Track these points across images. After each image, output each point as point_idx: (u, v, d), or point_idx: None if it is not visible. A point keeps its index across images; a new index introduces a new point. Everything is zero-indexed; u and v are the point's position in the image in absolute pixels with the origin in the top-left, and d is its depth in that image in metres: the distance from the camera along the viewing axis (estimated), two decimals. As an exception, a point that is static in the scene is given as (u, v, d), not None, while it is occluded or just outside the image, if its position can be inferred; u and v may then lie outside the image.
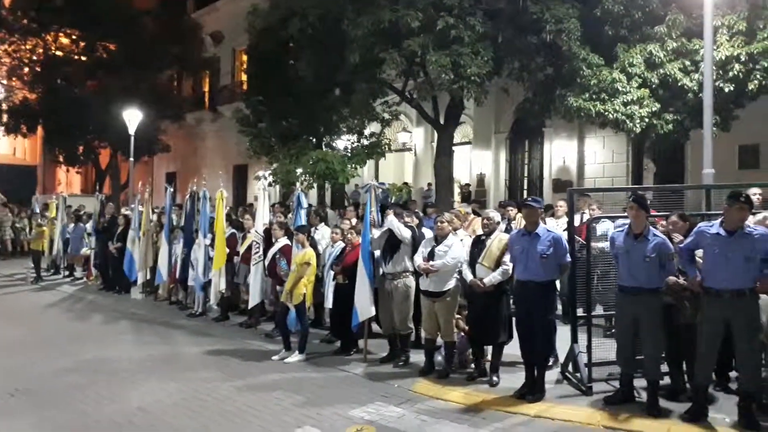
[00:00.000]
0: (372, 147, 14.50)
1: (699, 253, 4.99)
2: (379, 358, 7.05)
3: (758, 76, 8.48)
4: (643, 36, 8.97)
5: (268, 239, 8.46)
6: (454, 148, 20.58)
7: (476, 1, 10.17)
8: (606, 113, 9.01)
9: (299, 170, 12.82)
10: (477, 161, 18.53)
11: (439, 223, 6.59)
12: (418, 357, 6.75)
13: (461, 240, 6.82)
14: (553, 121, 14.08)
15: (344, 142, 15.62)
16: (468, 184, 19.29)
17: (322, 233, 8.69)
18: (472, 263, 6.13)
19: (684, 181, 12.10)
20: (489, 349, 6.28)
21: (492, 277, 5.92)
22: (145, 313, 10.46)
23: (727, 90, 8.53)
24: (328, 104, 14.40)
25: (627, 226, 5.32)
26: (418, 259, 6.53)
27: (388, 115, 15.06)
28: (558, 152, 16.39)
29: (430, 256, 6.41)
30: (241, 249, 9.11)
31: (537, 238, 5.58)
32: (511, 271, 5.95)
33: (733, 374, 5.37)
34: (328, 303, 7.85)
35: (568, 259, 5.71)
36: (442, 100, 13.30)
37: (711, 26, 7.29)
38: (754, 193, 7.08)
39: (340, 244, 7.78)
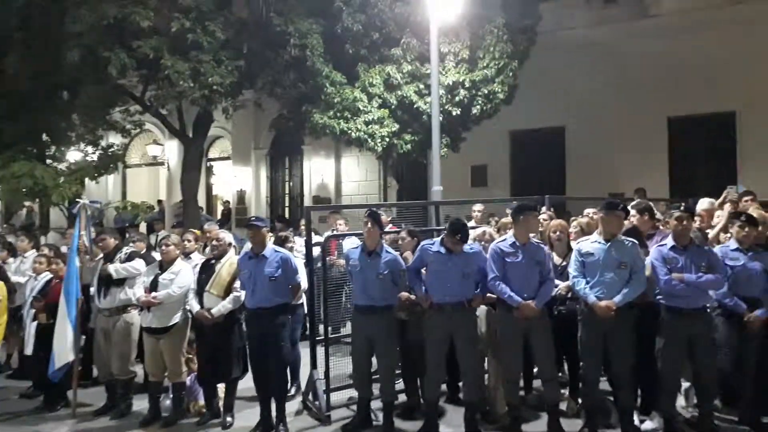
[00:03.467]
0: (106, 160, 12.79)
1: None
2: (93, 410, 5.92)
3: (480, 102, 9.30)
4: (382, 57, 9.25)
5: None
6: (213, 163, 19.72)
7: (217, 7, 9.53)
8: (349, 131, 9.07)
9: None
10: (237, 178, 17.81)
11: (164, 247, 5.78)
12: (144, 404, 5.81)
13: (195, 265, 6.06)
14: (311, 139, 14.07)
15: (79, 153, 13.62)
16: (228, 201, 18.45)
17: (30, 262, 7.18)
18: (200, 291, 5.47)
19: (428, 199, 12.91)
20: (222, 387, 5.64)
21: (221, 307, 5.35)
22: None
23: (454, 113, 9.19)
24: (55, 109, 12.37)
25: (362, 243, 5.19)
26: (139, 290, 5.65)
27: (129, 125, 13.49)
28: (317, 170, 16.48)
29: (153, 286, 5.58)
30: None
31: (264, 260, 5.17)
32: (243, 298, 5.44)
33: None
34: (29, 348, 6.41)
35: (299, 279, 5.39)
36: (191, 112, 12.35)
37: (437, 52, 7.74)
38: (478, 210, 7.64)
39: (46, 276, 6.45)
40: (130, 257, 5.96)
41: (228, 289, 5.41)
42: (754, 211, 5.32)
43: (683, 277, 4.54)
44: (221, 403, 5.59)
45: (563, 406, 5.36)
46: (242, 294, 5.38)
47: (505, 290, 4.73)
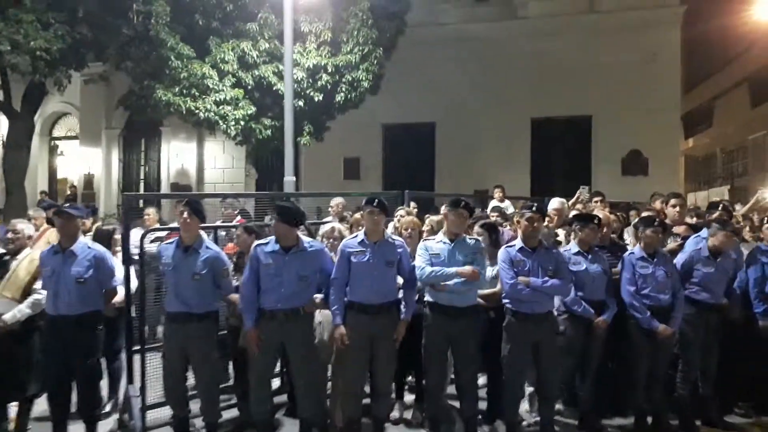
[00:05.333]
0: None
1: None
2: None
3: (344, 89, 8.77)
4: (237, 32, 8.42)
5: None
6: (60, 143, 17.68)
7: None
8: (197, 111, 8.17)
9: None
10: (86, 160, 16.06)
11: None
12: None
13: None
14: (170, 120, 12.94)
15: None
16: (75, 186, 16.64)
17: None
18: (-10, 293, 4.50)
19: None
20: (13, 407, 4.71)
21: (17, 312, 4.46)
22: None
23: (317, 99, 8.60)
24: None
25: (178, 238, 4.47)
26: None
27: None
28: (176, 154, 15.25)
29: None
30: None
31: (72, 257, 4.33)
32: (45, 301, 4.55)
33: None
34: None
35: (116, 283, 4.59)
36: (22, 81, 10.74)
37: (291, 25, 7.09)
38: (337, 203, 7.18)
39: None
40: None
41: (27, 291, 4.52)
42: (599, 211, 5.30)
43: (529, 281, 4.34)
44: (12, 426, 4.67)
45: (408, 414, 5.06)
46: (44, 296, 4.52)
47: (334, 301, 4.29)
